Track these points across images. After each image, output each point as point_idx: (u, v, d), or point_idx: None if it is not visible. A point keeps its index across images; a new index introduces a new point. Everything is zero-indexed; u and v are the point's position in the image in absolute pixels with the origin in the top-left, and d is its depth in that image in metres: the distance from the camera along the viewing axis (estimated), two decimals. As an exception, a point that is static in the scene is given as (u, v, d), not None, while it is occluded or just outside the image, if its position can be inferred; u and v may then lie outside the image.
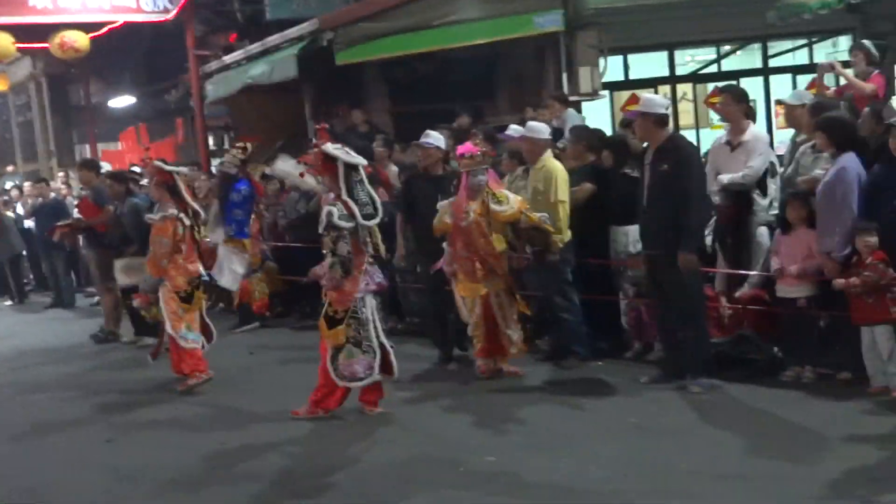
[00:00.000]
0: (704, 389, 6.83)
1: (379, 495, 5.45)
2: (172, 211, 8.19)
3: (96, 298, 12.78)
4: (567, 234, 7.82)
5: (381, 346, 6.87)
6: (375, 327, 6.87)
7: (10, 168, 22.92)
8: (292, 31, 14.18)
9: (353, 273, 6.76)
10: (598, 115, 13.29)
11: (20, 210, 15.82)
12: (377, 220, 6.89)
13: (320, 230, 6.85)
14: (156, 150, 18.50)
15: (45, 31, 17.32)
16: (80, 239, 12.12)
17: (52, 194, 14.93)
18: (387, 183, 9.95)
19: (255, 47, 15.58)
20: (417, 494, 5.39)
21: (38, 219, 14.36)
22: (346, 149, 6.99)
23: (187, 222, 8.23)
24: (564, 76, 13.14)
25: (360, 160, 6.93)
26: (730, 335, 7.44)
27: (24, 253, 15.36)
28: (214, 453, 6.42)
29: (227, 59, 16.77)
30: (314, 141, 7.15)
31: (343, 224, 6.68)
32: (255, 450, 6.41)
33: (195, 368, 8.10)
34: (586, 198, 8.12)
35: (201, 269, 8.40)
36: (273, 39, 14.78)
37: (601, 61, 13.12)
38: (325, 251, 6.88)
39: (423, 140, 8.47)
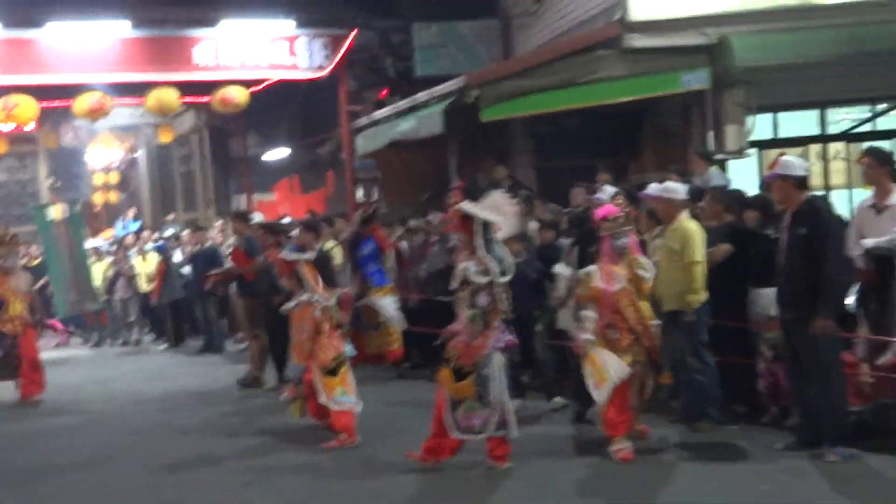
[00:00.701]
0: (842, 459, 6.57)
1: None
2: (306, 296, 8.40)
3: (244, 345, 13.27)
4: (703, 296, 7.70)
5: (503, 403, 6.91)
6: (499, 385, 6.91)
7: (171, 216, 23.98)
8: (440, 88, 14.47)
9: (488, 328, 6.88)
10: (745, 173, 13.04)
11: (178, 257, 16.55)
12: (509, 278, 6.98)
13: (454, 285, 7.01)
14: (307, 201, 19.17)
15: (207, 87, 18.32)
16: (232, 286, 12.69)
17: (209, 242, 15.55)
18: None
19: (403, 103, 15.98)
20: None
21: (195, 265, 15.01)
22: (481, 206, 7.15)
23: (323, 303, 8.41)
24: (711, 134, 13.01)
25: (495, 218, 7.07)
26: (871, 403, 7.16)
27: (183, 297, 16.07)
28: (343, 499, 6.59)
29: (377, 114, 17.26)
30: (450, 200, 7.34)
31: (479, 280, 6.83)
32: (381, 497, 6.56)
33: (346, 429, 8.22)
34: (723, 258, 8.00)
35: (345, 346, 8.58)
36: (421, 96, 15.13)
37: (748, 119, 12.92)
38: (459, 307, 7.01)
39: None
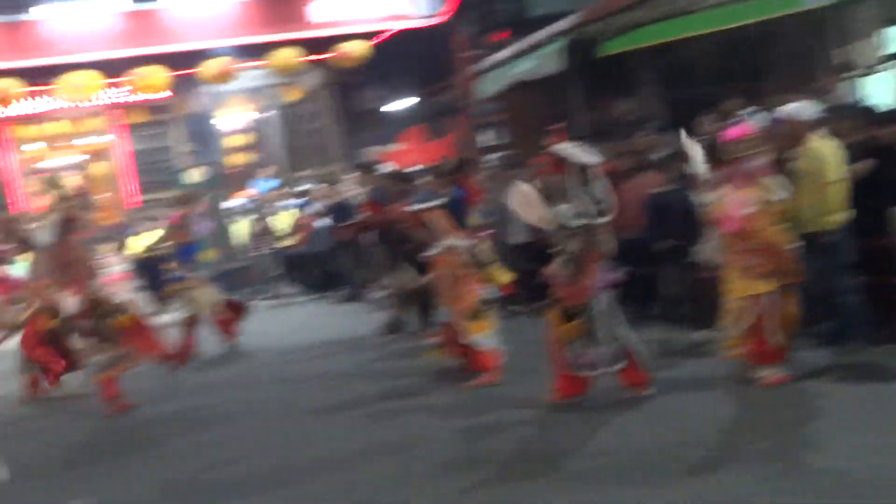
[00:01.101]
0: None
1: (644, 476, 5.58)
2: (445, 243, 8.57)
3: (385, 292, 13.59)
4: (841, 216, 7.55)
5: (617, 339, 7.03)
6: (610, 321, 7.04)
7: (304, 172, 24.55)
8: (557, 26, 14.40)
9: (587, 270, 6.93)
10: (881, 88, 12.57)
11: (311, 210, 16.97)
12: (608, 219, 7.01)
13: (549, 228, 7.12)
14: (435, 149, 19.35)
15: (328, 43, 18.63)
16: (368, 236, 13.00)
17: (342, 195, 15.90)
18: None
19: (522, 44, 15.95)
20: (679, 478, 5.47)
21: (331, 218, 15.40)
22: (581, 147, 7.17)
23: (462, 247, 8.53)
24: (840, 51, 12.59)
25: (593, 159, 7.07)
26: None
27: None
28: (474, 434, 6.90)
29: (496, 56, 17.27)
30: (546, 141, 7.32)
31: (573, 223, 6.87)
32: (499, 432, 6.85)
33: (488, 369, 8.42)
34: (863, 175, 7.79)
35: (487, 290, 8.72)
36: (539, 35, 15.08)
37: (880, 33, 12.44)
38: (555, 249, 7.10)
39: None
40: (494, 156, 15.41)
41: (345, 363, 10.38)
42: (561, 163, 7.05)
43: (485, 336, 8.51)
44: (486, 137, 19.15)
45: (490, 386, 8.26)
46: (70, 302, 9.18)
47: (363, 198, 12.58)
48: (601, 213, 6.97)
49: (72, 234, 9.26)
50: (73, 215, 9.32)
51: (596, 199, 6.98)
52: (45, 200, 9.84)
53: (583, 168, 7.00)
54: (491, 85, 17.06)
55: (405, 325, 11.71)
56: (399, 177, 11.39)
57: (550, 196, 7.18)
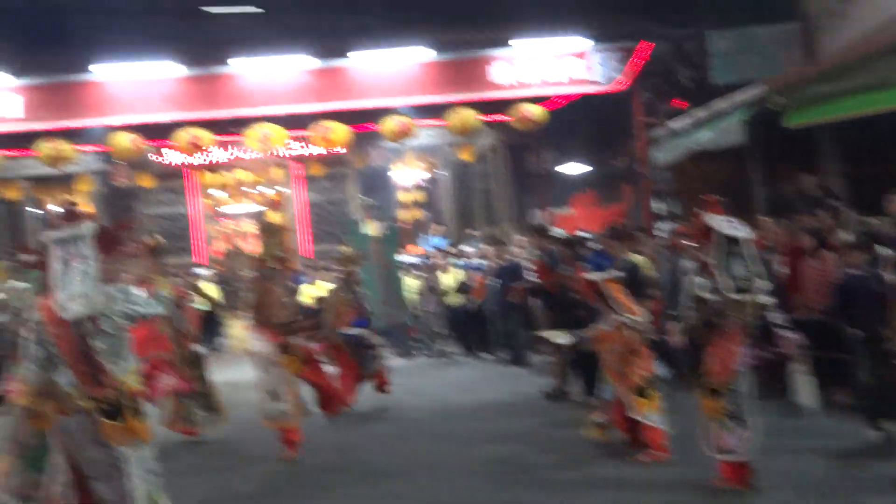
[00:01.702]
0: None
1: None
2: (614, 317, 8.44)
3: (548, 357, 13.50)
4: None
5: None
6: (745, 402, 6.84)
7: (473, 232, 24.80)
8: (740, 96, 14.12)
9: (725, 345, 6.68)
10: None
11: (481, 270, 17.04)
12: (748, 297, 6.74)
13: (682, 299, 6.93)
14: (604, 214, 19.22)
15: (505, 105, 18.89)
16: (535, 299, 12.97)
17: (511, 257, 15.94)
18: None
19: (701, 113, 15.72)
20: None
21: (499, 279, 15.43)
22: (732, 220, 6.94)
23: (633, 323, 8.39)
24: None
25: (740, 233, 6.84)
26: None
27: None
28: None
29: (674, 125, 17.08)
30: (697, 210, 7.14)
31: (704, 296, 6.67)
32: None
33: (656, 445, 8.24)
34: None
35: (655, 367, 8.55)
36: (719, 105, 14.82)
37: None
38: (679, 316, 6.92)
39: None
40: (666, 225, 15.19)
41: (506, 427, 10.30)
42: (708, 233, 6.87)
43: (652, 412, 8.31)
44: (659, 206, 18.91)
45: (657, 463, 8.02)
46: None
47: (535, 260, 12.54)
48: (743, 289, 6.72)
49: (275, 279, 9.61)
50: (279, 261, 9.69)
51: (740, 275, 6.74)
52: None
53: (731, 241, 6.80)
54: (667, 153, 16.86)
55: (568, 394, 11.56)
56: (572, 242, 11.31)
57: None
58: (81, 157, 19.94)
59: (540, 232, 12.69)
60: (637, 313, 8.40)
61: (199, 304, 20.91)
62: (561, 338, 10.93)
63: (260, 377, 9.50)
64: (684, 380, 10.49)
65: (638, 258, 10.85)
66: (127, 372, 5.23)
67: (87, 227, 5.22)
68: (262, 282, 9.65)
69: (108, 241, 5.33)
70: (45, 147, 18.03)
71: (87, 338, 5.10)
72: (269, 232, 10.24)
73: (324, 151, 23.30)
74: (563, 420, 10.34)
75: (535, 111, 18.51)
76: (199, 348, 10.99)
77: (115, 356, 5.19)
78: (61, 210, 5.59)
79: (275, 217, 27.45)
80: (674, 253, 11.37)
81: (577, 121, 20.40)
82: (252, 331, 9.67)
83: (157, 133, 18.74)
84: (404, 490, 7.97)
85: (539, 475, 8.06)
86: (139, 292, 5.57)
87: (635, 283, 8.61)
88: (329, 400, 10.73)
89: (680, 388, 10.48)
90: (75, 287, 5.07)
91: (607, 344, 8.55)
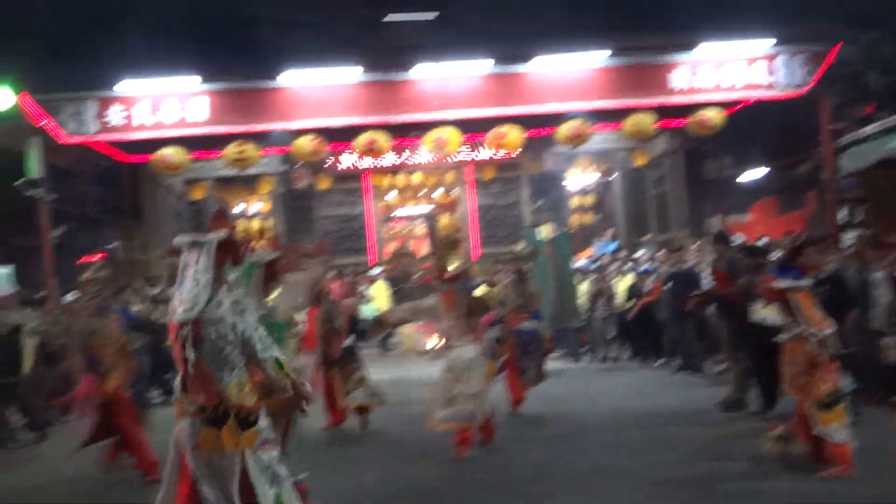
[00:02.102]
0: None
1: None
2: (799, 329, 8.13)
3: (723, 366, 13.16)
4: None
5: None
6: None
7: (646, 237, 24.47)
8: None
9: None
10: None
11: (654, 276, 16.79)
12: None
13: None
14: (785, 223, 18.61)
15: (683, 110, 18.54)
16: (711, 308, 12.65)
17: (686, 264, 15.62)
18: None
19: (893, 119, 15.02)
20: None
21: (673, 285, 15.14)
22: None
23: (819, 335, 8.04)
24: None
25: None
26: None
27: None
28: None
29: (864, 131, 16.37)
30: None
31: None
32: None
33: (842, 460, 7.92)
34: None
35: (840, 381, 8.22)
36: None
37: None
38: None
39: None
40: (851, 235, 14.56)
41: (679, 436, 10.07)
42: None
43: (838, 427, 7.96)
44: (844, 215, 18.17)
45: (841, 479, 7.69)
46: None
47: (714, 268, 12.23)
48: None
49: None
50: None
51: None
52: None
53: None
54: (854, 160, 16.17)
55: (745, 405, 11.23)
56: (754, 251, 10.99)
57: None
58: (264, 160, 20.72)
59: (721, 239, 12.36)
60: (824, 326, 8.06)
61: (369, 308, 21.55)
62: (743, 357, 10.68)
63: (452, 378, 9.59)
64: (870, 394, 10.10)
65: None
66: (233, 383, 5.18)
67: (214, 235, 5.28)
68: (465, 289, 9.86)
69: (231, 250, 5.37)
70: (231, 149, 18.82)
71: (187, 343, 5.11)
72: (449, 245, 10.46)
73: (497, 155, 23.51)
74: (740, 431, 10.06)
75: (714, 116, 18.10)
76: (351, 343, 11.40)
77: (219, 365, 5.16)
78: (213, 213, 5.70)
79: (445, 220, 27.89)
80: (862, 264, 10.90)
81: (759, 126, 19.84)
82: (458, 336, 9.79)
83: (338, 137, 19.28)
84: (573, 494, 7.93)
85: (716, 487, 7.85)
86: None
87: (839, 295, 8.18)
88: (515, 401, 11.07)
89: (866, 403, 10.09)
90: (185, 292, 5.14)
91: (789, 356, 8.25)
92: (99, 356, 9.23)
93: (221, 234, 5.29)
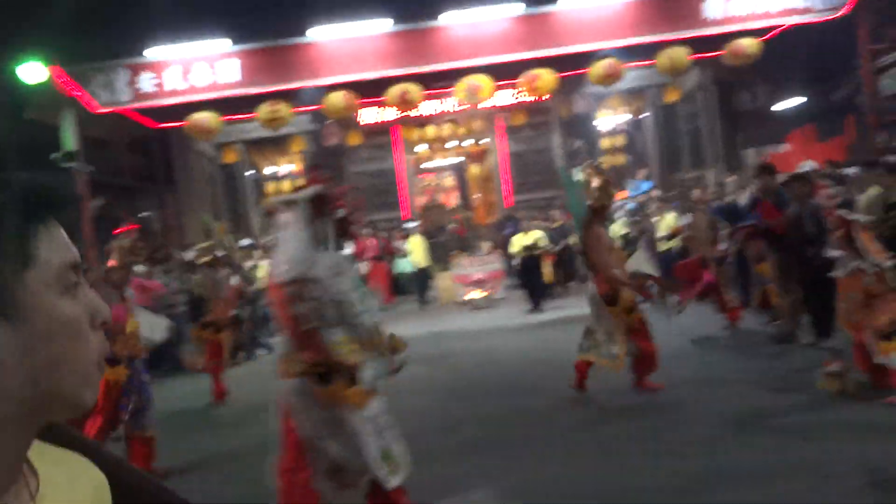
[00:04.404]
0: None
1: None
2: (854, 263, 8.05)
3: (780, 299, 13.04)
4: None
5: None
6: None
7: (642, 172, 24.28)
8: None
9: None
10: None
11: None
12: None
13: None
14: (824, 150, 18.34)
15: (716, 41, 18.23)
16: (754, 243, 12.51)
17: (727, 198, 15.45)
18: None
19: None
20: None
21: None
22: None
23: (876, 268, 7.96)
24: None
25: None
26: None
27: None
28: (881, 457, 6.37)
29: (904, 51, 16.07)
30: None
31: None
32: None
33: None
34: None
35: None
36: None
37: None
38: None
39: None
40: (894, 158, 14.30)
41: (739, 369, 10.04)
42: None
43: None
44: (884, 138, 17.87)
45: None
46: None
47: (763, 201, 12.08)
48: None
49: (599, 223, 9.58)
50: (599, 205, 9.58)
51: None
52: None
53: None
54: None
55: (798, 336, 11.14)
56: (804, 178, 10.83)
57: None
58: (296, 119, 20.67)
59: (766, 170, 12.17)
60: (884, 257, 7.95)
61: (406, 262, 21.52)
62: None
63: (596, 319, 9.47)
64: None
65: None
66: (339, 341, 5.14)
67: (306, 192, 5.25)
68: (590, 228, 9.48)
69: (323, 205, 5.30)
70: (265, 110, 18.77)
71: (294, 302, 5.06)
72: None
73: (530, 100, 23.28)
74: (795, 364, 9.99)
75: (749, 45, 17.77)
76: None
77: (322, 323, 5.11)
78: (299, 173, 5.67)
79: (476, 169, 27.78)
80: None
81: (795, 52, 19.51)
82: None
83: (369, 91, 19.18)
84: (638, 429, 7.95)
85: (775, 420, 7.78)
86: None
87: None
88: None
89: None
90: (287, 251, 5.13)
91: (846, 291, 8.16)
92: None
93: (312, 190, 5.27)
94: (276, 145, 25.60)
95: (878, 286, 7.96)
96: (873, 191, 9.29)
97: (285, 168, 27.41)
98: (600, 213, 9.57)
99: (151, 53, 17.56)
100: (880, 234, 8.56)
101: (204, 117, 18.86)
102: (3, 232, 1.07)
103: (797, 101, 21.68)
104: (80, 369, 1.15)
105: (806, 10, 17.22)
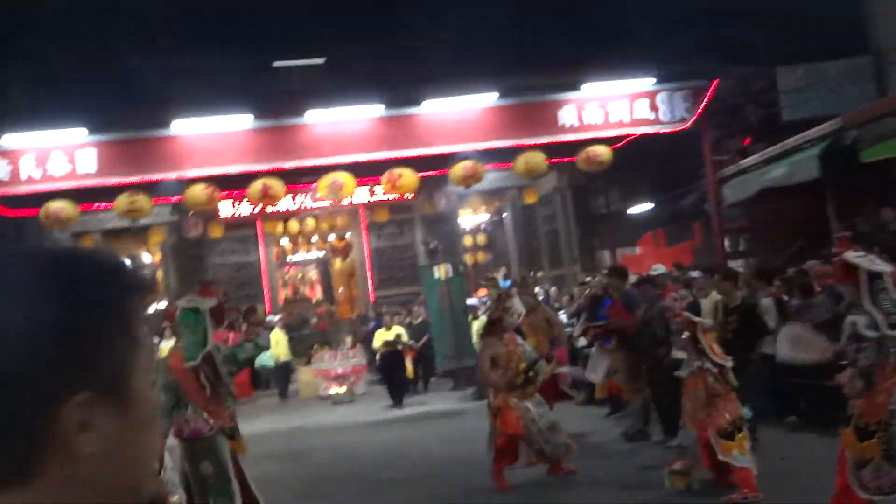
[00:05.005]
0: None
1: None
2: (698, 363, 8.35)
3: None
4: None
5: None
6: None
7: (538, 274, 24.83)
8: (812, 132, 14.06)
9: (879, 384, 6.52)
10: None
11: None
12: None
13: (842, 341, 6.75)
14: (673, 254, 19.12)
15: (571, 147, 18.96)
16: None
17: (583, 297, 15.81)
18: None
19: (773, 149, 15.64)
20: None
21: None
22: (870, 256, 6.84)
23: (717, 369, 8.30)
24: None
25: (885, 267, 6.72)
26: None
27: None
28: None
29: (744, 162, 17.01)
30: (834, 249, 7.06)
31: (868, 334, 6.50)
32: None
33: (747, 485, 8.15)
34: None
35: (742, 409, 8.49)
36: (792, 140, 14.74)
37: None
38: (845, 361, 6.73)
39: None
40: (738, 263, 15.08)
41: (590, 468, 10.18)
42: (850, 272, 6.76)
43: (741, 453, 8.21)
44: (730, 244, 18.80)
45: (748, 502, 7.91)
46: None
47: (614, 301, 12.49)
48: (894, 325, 6.59)
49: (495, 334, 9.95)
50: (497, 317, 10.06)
51: (889, 310, 6.61)
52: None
53: (872, 277, 6.67)
54: (736, 191, 16.77)
55: (648, 434, 11.44)
56: (651, 281, 11.29)
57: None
58: (154, 210, 20.34)
59: (616, 272, 12.63)
60: (723, 357, 8.33)
61: (267, 356, 21.23)
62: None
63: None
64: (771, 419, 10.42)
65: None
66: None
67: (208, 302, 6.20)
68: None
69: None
70: (123, 201, 18.42)
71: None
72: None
73: (391, 198, 23.56)
74: (645, 462, 10.22)
75: (603, 152, 18.55)
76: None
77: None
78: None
79: (338, 264, 27.81)
80: (749, 292, 11.25)
81: (645, 160, 20.43)
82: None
83: (230, 184, 19.09)
84: None
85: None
86: None
87: (750, 324, 8.46)
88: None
89: (765, 429, 10.40)
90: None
91: (690, 391, 8.49)
92: None
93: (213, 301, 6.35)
94: (134, 235, 25.09)
95: (720, 386, 8.31)
96: (715, 295, 9.76)
97: (144, 259, 26.86)
98: (497, 324, 9.98)
99: (6, 141, 17.12)
100: (722, 336, 8.99)
101: (59, 206, 18.36)
102: (120, 311, 1.01)
103: (649, 206, 22.61)
104: (150, 461, 1.08)
105: (655, 122, 18.15)
